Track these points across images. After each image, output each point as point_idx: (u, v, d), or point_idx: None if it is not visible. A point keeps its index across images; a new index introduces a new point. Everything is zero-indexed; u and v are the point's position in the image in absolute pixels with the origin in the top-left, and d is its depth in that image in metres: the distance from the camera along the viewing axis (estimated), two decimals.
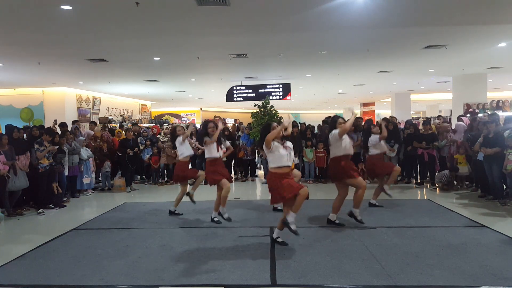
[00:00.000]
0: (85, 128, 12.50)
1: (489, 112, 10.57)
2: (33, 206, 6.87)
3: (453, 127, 8.94)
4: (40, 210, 6.50)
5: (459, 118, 9.22)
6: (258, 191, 8.63)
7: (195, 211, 6.32)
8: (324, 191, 8.00)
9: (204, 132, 5.56)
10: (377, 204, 6.35)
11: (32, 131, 7.23)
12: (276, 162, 4.37)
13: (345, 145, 5.04)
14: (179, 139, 5.96)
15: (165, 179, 9.61)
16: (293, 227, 4.30)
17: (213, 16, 5.79)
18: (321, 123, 10.53)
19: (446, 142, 8.27)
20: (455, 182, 7.97)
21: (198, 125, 11.09)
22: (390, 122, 8.80)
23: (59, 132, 7.70)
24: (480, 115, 9.95)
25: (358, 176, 5.08)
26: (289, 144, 4.52)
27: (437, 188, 7.96)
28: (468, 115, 9.43)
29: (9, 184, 6.19)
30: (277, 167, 4.38)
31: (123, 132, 9.53)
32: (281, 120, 10.05)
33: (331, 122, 5.36)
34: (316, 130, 10.35)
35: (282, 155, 4.37)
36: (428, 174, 8.51)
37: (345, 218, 5.57)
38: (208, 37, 7.16)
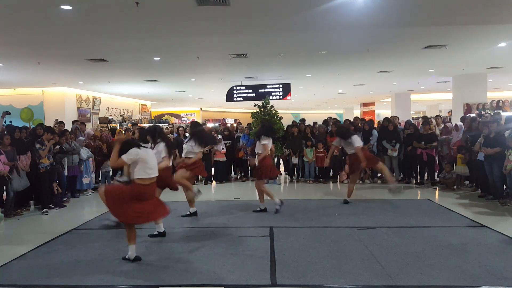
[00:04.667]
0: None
1: (489, 112, 10.53)
2: (28, 206, 6.86)
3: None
4: (45, 210, 6.49)
5: (462, 119, 9.17)
6: None
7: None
8: (324, 191, 7.99)
9: None
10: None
11: (36, 129, 7.20)
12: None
13: None
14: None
15: None
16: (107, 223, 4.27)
17: (213, 16, 5.79)
18: (321, 123, 10.51)
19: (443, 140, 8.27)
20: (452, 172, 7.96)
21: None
22: (390, 122, 8.82)
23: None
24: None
25: None
26: None
27: (437, 188, 7.96)
28: (473, 114, 9.36)
29: (15, 184, 6.19)
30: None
31: (123, 131, 9.51)
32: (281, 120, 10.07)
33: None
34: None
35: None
36: (428, 174, 8.50)
37: (346, 218, 5.56)
38: (208, 37, 7.15)
